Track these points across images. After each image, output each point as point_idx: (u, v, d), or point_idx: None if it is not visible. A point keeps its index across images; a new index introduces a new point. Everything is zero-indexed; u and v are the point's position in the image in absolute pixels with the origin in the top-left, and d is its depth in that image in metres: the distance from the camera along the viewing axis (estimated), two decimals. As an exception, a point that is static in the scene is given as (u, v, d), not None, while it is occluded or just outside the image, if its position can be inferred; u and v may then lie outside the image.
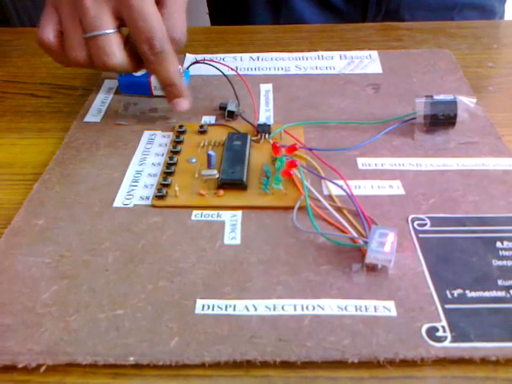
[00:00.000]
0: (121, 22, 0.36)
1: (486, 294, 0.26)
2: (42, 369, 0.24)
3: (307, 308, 0.26)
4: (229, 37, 0.53)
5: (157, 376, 0.24)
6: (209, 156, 0.34)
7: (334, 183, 0.33)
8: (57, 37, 0.36)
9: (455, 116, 0.36)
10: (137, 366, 0.24)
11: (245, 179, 0.33)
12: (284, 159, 0.33)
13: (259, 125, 0.38)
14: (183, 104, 0.38)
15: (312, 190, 0.32)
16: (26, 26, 0.72)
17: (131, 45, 0.36)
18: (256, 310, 0.26)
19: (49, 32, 0.36)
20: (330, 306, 0.26)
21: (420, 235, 0.30)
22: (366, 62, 0.47)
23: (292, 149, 0.34)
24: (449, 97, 0.37)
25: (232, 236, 0.30)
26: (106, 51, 0.35)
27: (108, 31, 0.35)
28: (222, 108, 0.40)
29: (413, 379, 0.23)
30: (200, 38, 0.55)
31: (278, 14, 0.59)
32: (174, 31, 0.37)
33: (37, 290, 0.27)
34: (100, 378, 0.24)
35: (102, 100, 0.43)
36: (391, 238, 0.27)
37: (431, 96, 0.37)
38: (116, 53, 0.35)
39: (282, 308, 0.26)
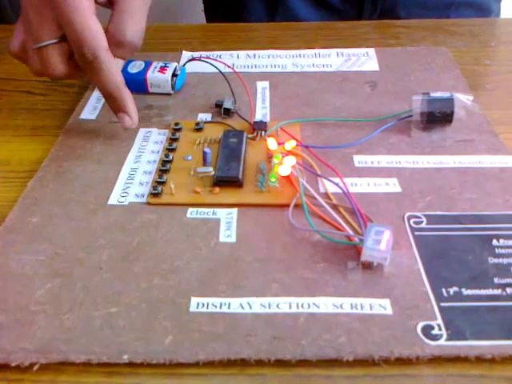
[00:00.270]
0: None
1: (482, 291, 0.26)
2: (35, 367, 0.24)
3: (302, 306, 0.26)
4: (225, 34, 0.53)
5: (151, 374, 0.24)
6: (204, 153, 0.34)
7: (330, 181, 0.33)
8: (20, 48, 0.37)
9: (452, 113, 0.36)
10: (131, 365, 0.24)
11: (240, 176, 0.33)
12: (280, 156, 0.33)
13: (255, 122, 0.38)
14: (126, 120, 0.36)
15: (308, 187, 0.32)
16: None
17: None
18: (251, 307, 0.26)
19: (15, 43, 0.37)
20: (325, 304, 0.26)
21: (416, 233, 0.30)
22: (363, 59, 0.47)
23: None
24: (445, 94, 0.37)
25: (227, 234, 0.30)
26: (48, 62, 0.35)
27: (48, 42, 0.34)
28: (218, 105, 0.40)
29: (408, 377, 0.23)
30: (196, 35, 0.55)
31: (274, 13, 0.59)
32: (122, 33, 0.36)
33: (31, 287, 0.27)
34: (93, 376, 0.24)
35: (97, 97, 0.42)
36: (387, 235, 0.27)
37: (428, 93, 0.37)
38: (57, 64, 0.35)
39: (277, 306, 0.26)
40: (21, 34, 0.36)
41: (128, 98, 0.36)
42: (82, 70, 0.36)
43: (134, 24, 0.36)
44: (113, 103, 0.36)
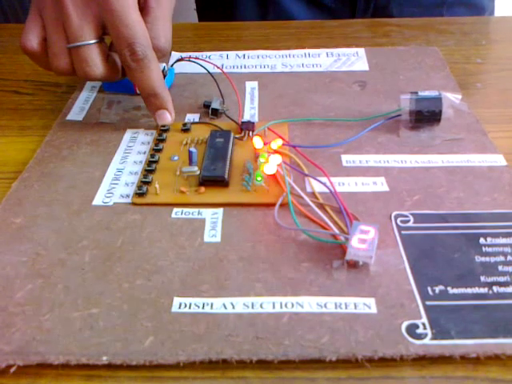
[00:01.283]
0: (104, 30, 0.35)
1: (468, 290, 0.26)
2: (12, 369, 0.23)
3: (286, 305, 0.26)
4: (216, 33, 0.53)
5: (131, 378, 0.23)
6: (190, 153, 0.33)
7: (316, 180, 0.32)
8: (40, 44, 0.36)
9: (440, 112, 0.36)
10: (111, 368, 0.23)
11: (226, 176, 0.32)
12: (266, 155, 0.33)
13: (243, 122, 0.37)
14: (167, 117, 0.37)
15: (294, 186, 0.32)
16: (10, 22, 0.71)
17: (114, 53, 0.36)
18: (234, 307, 0.25)
19: (32, 39, 0.36)
20: (309, 304, 0.26)
21: (403, 232, 0.29)
22: (353, 59, 0.47)
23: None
24: (434, 93, 0.36)
25: (212, 233, 0.30)
26: (88, 62, 0.35)
27: (91, 42, 0.34)
28: (206, 106, 0.40)
29: (392, 379, 0.23)
30: (187, 34, 0.55)
31: (266, 11, 0.59)
32: (157, 39, 0.36)
33: (11, 289, 0.27)
34: (73, 380, 0.23)
35: (85, 98, 0.42)
36: (372, 234, 0.27)
37: (416, 92, 0.37)
38: (98, 64, 0.35)
39: (261, 306, 0.26)
40: (39, 29, 0.35)
41: (168, 94, 0.37)
42: (116, 71, 0.37)
43: (166, 31, 0.37)
44: (155, 101, 0.37)
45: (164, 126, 0.38)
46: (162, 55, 0.37)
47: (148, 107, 0.37)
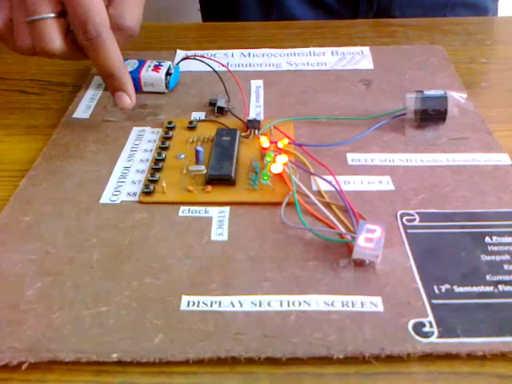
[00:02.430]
0: (64, 8, 0.34)
1: (474, 289, 0.26)
2: (24, 366, 0.23)
3: (293, 304, 0.26)
4: (221, 33, 0.53)
5: (140, 373, 0.24)
6: (197, 151, 0.33)
7: (322, 179, 0.33)
8: (6, 23, 0.35)
9: (445, 111, 0.36)
10: (120, 364, 0.24)
11: (233, 175, 0.33)
12: (272, 155, 0.33)
13: (249, 120, 0.37)
14: (125, 100, 0.36)
15: (300, 185, 0.32)
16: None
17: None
18: (242, 306, 0.26)
19: None
20: (316, 302, 0.26)
21: (409, 230, 0.30)
22: (358, 57, 0.47)
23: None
24: (439, 92, 0.36)
25: (219, 232, 0.30)
26: (44, 37, 0.34)
27: (46, 16, 0.34)
28: (212, 104, 0.40)
29: (399, 375, 0.23)
30: (192, 34, 0.55)
31: (270, 12, 0.59)
32: (122, 18, 0.36)
33: (21, 287, 0.27)
34: (82, 375, 0.24)
35: (91, 96, 0.42)
36: (378, 233, 0.27)
37: (421, 91, 0.37)
38: (54, 39, 0.34)
39: (268, 304, 0.26)
40: (5, 10, 0.35)
41: (128, 76, 0.36)
42: (77, 50, 0.35)
43: (133, 10, 0.36)
44: (112, 82, 0.36)
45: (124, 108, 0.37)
46: (129, 35, 0.37)
47: (108, 88, 0.37)
